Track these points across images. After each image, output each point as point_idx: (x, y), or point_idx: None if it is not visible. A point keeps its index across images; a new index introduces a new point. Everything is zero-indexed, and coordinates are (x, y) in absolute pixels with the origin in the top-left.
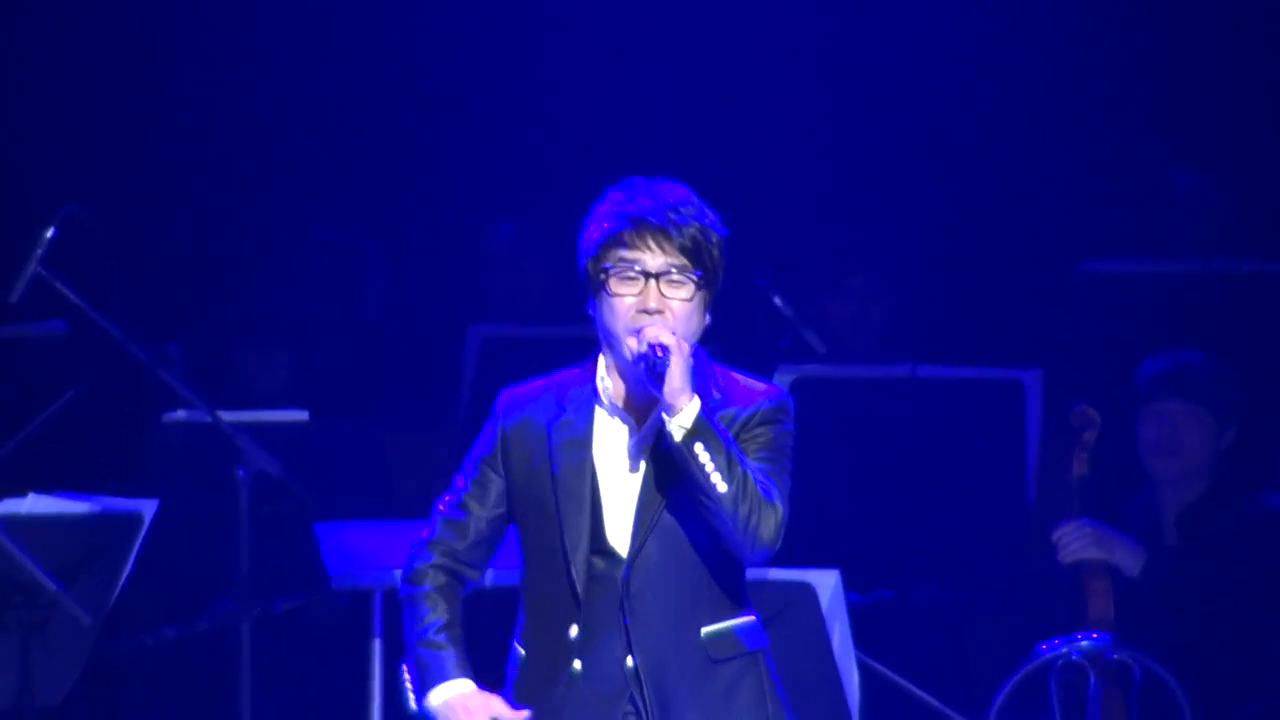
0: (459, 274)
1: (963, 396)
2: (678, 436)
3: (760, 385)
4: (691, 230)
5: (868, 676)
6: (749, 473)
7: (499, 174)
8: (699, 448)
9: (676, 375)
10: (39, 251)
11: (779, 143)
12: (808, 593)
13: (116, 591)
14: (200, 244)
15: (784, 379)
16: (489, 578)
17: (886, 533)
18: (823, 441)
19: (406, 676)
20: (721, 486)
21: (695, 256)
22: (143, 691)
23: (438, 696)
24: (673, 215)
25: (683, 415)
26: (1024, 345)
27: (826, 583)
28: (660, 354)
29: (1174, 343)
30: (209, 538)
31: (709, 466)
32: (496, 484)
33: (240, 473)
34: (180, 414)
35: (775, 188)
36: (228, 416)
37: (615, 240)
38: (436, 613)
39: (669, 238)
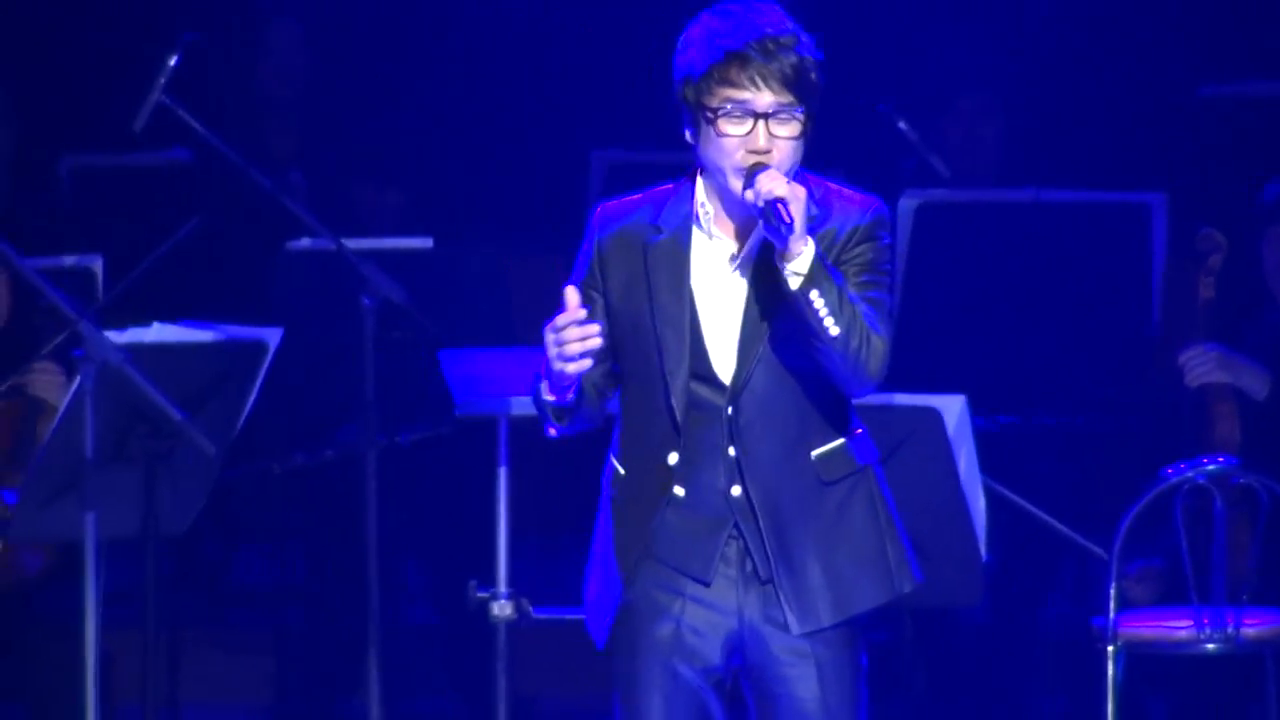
0: (584, 98)
1: (1087, 220)
2: (794, 285)
3: (856, 195)
4: (793, 61)
5: (993, 501)
6: (858, 309)
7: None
8: (814, 294)
9: (797, 224)
10: (162, 80)
11: None
12: (933, 417)
13: (241, 421)
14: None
15: (909, 204)
16: None
17: (1011, 358)
18: (948, 267)
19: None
20: (835, 330)
21: (799, 90)
22: (268, 519)
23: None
24: (774, 47)
25: (799, 262)
26: (1147, 168)
27: (953, 407)
28: (784, 213)
29: None
30: (334, 366)
31: (823, 311)
32: (599, 302)
33: (365, 301)
34: (305, 242)
35: (887, 5)
36: (352, 244)
37: (718, 76)
38: None
39: (773, 73)
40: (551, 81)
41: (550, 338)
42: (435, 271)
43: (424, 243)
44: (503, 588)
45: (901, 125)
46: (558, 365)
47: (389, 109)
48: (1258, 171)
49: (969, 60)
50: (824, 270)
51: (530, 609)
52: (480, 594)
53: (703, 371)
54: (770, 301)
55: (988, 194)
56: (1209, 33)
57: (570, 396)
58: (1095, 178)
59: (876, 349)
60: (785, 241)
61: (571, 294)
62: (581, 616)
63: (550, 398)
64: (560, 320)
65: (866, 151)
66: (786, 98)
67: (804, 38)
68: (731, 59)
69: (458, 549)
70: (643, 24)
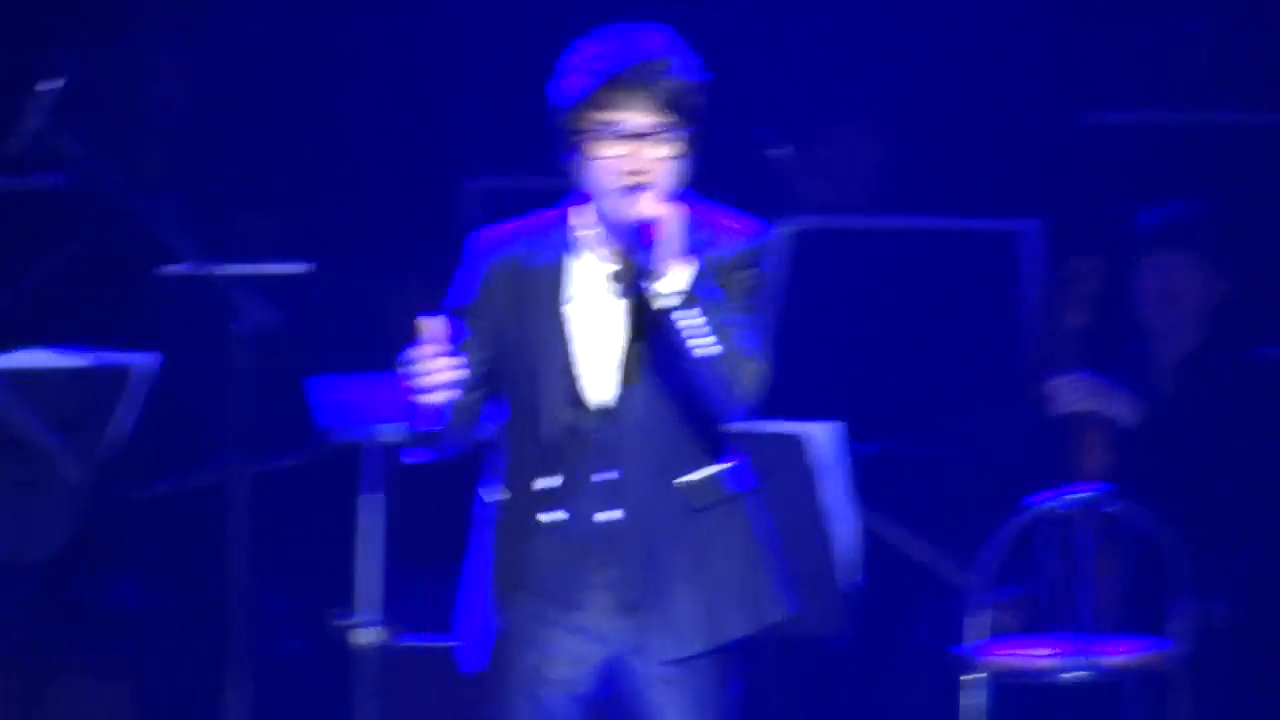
0: (456, 124)
1: (958, 248)
2: (670, 303)
3: (740, 221)
4: (670, 84)
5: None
6: (733, 331)
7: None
8: (685, 315)
9: (666, 244)
10: (40, 104)
11: None
12: (795, 445)
13: (112, 446)
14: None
15: (786, 230)
16: None
17: (882, 385)
18: (825, 293)
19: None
20: (706, 351)
21: (678, 112)
22: (137, 545)
23: None
24: (651, 70)
25: (668, 282)
26: (1026, 195)
27: (822, 435)
28: (652, 233)
29: (1173, 194)
30: (206, 392)
31: (694, 332)
32: (479, 328)
33: (236, 326)
34: (178, 267)
35: (764, 33)
36: (228, 269)
37: (593, 100)
38: None
39: (650, 95)
40: (425, 107)
41: (407, 370)
42: (310, 296)
43: (300, 267)
44: (364, 615)
45: (778, 151)
46: (418, 398)
47: (266, 134)
48: (1135, 199)
49: (848, 87)
50: (696, 292)
51: (393, 636)
52: (340, 621)
53: (578, 397)
54: (648, 326)
55: (864, 221)
56: (1088, 60)
57: (436, 426)
58: (975, 205)
59: (751, 371)
60: (653, 262)
61: (423, 325)
62: (447, 644)
63: (415, 427)
64: (413, 354)
65: (744, 177)
66: (664, 119)
67: (684, 60)
68: (609, 82)
69: (328, 577)
70: (516, 49)
